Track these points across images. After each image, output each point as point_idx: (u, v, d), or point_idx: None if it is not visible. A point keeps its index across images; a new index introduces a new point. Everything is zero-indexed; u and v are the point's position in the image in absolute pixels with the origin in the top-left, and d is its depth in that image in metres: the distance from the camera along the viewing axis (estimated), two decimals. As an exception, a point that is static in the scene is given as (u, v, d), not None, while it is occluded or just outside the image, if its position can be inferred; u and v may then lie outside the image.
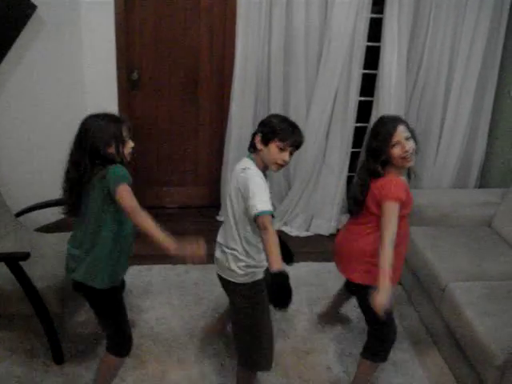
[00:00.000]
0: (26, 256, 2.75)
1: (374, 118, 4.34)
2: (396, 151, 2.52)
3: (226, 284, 2.62)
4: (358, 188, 2.65)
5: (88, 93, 4.25)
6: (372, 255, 2.52)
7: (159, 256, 3.63)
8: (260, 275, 2.58)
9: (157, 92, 4.48)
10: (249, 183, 2.39)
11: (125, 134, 2.42)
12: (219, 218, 4.69)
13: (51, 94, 4.04)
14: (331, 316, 3.44)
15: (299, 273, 3.87)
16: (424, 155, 4.51)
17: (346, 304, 3.38)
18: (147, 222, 2.25)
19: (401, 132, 2.53)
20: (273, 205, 4.49)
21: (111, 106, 4.26)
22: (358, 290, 2.74)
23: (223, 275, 2.59)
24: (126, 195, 2.27)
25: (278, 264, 2.21)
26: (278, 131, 2.44)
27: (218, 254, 2.63)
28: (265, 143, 2.46)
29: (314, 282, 3.80)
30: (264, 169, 2.52)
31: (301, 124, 4.15)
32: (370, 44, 4.27)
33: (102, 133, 2.36)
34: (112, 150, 2.38)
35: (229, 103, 4.32)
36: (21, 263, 2.76)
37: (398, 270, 2.63)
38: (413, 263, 3.53)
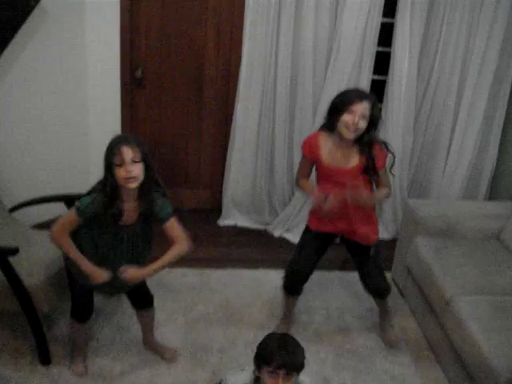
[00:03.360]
0: (14, 251, 2.66)
1: (383, 126, 4.23)
2: (346, 117, 2.66)
3: None
4: None
5: (90, 89, 4.17)
6: None
7: (156, 259, 3.53)
8: None
9: (161, 91, 4.39)
10: None
11: (121, 158, 2.39)
12: (220, 223, 4.60)
13: (51, 89, 3.95)
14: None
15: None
16: (433, 165, 4.41)
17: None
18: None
19: (362, 107, 2.66)
20: (275, 211, 4.45)
21: (113, 104, 4.21)
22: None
23: None
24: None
25: None
26: (266, 353, 2.16)
27: None
28: (258, 368, 2.20)
29: (315, 290, 3.69)
30: None
31: (307, 131, 4.06)
32: (380, 49, 4.18)
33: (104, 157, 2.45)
34: (108, 175, 2.44)
35: (233, 105, 4.24)
36: (10, 259, 2.66)
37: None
38: (416, 274, 3.41)
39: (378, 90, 4.28)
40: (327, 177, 2.87)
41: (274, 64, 4.10)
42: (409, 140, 4.27)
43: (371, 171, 2.83)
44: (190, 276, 3.80)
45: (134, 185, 2.42)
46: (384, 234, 4.47)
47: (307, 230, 3.12)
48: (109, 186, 2.42)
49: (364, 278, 3.11)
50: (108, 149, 2.42)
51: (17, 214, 3.43)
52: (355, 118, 2.65)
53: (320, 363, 3.07)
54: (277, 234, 4.47)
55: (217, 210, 4.66)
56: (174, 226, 2.61)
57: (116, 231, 2.53)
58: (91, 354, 3.00)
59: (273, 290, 3.63)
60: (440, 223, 3.56)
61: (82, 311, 2.81)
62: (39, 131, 3.99)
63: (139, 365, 2.97)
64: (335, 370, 3.02)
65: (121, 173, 2.39)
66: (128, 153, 2.38)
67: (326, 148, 2.83)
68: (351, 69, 4.08)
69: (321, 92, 4.17)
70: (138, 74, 4.27)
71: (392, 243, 4.18)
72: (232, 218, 4.58)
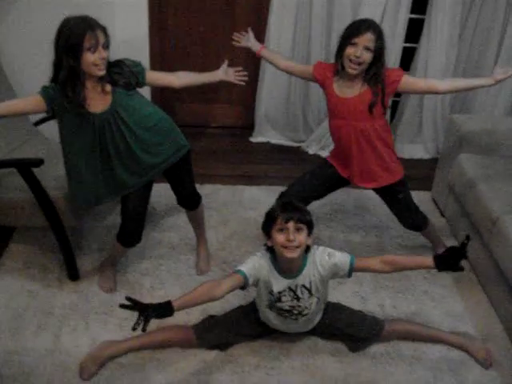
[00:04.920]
0: (38, 162, 2.56)
1: (425, 38, 3.99)
2: (349, 50, 2.56)
3: None
4: None
5: (116, 4, 3.94)
6: None
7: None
8: None
9: (190, 4, 4.15)
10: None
11: (94, 41, 2.24)
12: (253, 140, 4.46)
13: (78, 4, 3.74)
14: None
15: (336, 199, 3.62)
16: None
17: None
18: None
19: (365, 39, 2.54)
20: (310, 129, 4.28)
21: (141, 19, 3.99)
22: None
23: None
24: None
25: None
26: (271, 213, 2.27)
27: None
28: (268, 236, 2.31)
29: (351, 209, 3.56)
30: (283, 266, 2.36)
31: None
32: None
33: (63, 40, 2.25)
34: (70, 60, 2.25)
35: (267, 16, 3.99)
36: (35, 172, 2.57)
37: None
38: (459, 193, 3.24)
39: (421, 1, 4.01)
40: (338, 110, 2.75)
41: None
42: (452, 53, 4.01)
43: (381, 96, 2.66)
44: (221, 193, 3.71)
45: (103, 72, 2.32)
46: (424, 153, 4.35)
47: (325, 163, 2.97)
48: (67, 71, 2.27)
49: (396, 217, 3.02)
50: (72, 30, 2.22)
51: (42, 128, 3.31)
52: (357, 50, 2.54)
53: (357, 283, 2.96)
54: (311, 151, 4.32)
55: (249, 127, 4.50)
56: (156, 73, 2.64)
57: (85, 119, 2.39)
58: (120, 269, 2.94)
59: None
60: (485, 139, 3.36)
61: (130, 236, 2.70)
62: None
63: (169, 280, 2.92)
64: (373, 290, 2.92)
65: (91, 58, 2.25)
66: (101, 37, 2.27)
67: (336, 79, 2.73)
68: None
69: (360, 2, 3.90)
70: (166, -20, 4.04)
71: (432, 163, 4.00)
72: (265, 134, 4.44)
